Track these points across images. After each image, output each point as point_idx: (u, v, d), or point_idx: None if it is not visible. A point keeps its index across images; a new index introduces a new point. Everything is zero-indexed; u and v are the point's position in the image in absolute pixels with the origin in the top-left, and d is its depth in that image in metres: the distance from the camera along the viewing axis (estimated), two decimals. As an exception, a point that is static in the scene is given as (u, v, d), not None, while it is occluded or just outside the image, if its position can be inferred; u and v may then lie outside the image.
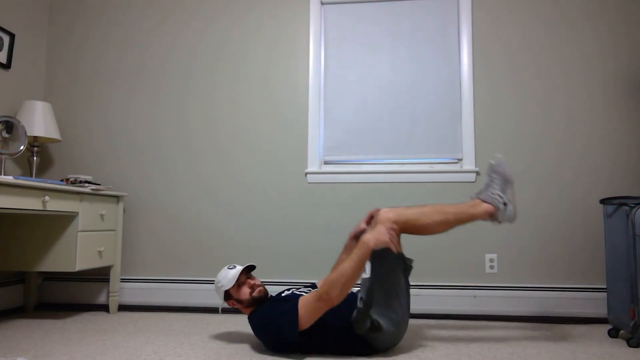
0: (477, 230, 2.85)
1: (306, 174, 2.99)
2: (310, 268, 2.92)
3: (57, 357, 1.93)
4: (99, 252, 2.73)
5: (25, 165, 3.03)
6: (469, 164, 2.89)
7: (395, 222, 1.99)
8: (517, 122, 2.89)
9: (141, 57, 3.20)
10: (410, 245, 2.86)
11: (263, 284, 2.20)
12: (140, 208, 3.10)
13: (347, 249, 2.20)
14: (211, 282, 2.98)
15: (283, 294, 2.18)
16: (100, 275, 3.04)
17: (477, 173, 2.88)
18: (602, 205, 2.54)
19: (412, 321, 2.69)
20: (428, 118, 2.97)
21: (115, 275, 2.88)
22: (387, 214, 2.01)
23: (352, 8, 3.09)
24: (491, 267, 2.82)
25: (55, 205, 2.40)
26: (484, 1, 2.98)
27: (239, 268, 2.14)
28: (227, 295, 2.13)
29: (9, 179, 2.10)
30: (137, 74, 3.20)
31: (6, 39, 2.89)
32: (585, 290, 2.74)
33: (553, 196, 2.83)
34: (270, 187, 3.02)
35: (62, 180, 2.75)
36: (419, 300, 2.83)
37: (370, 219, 2.16)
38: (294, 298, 1.97)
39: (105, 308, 3.01)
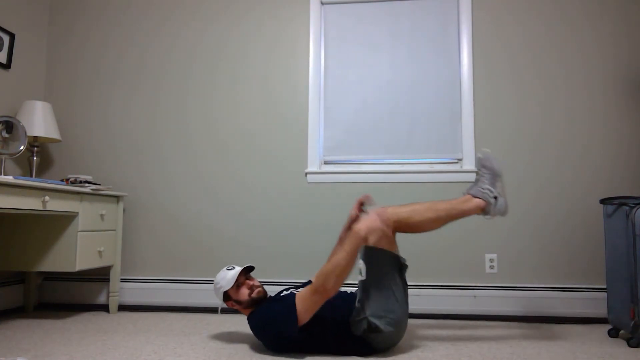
0: (477, 230, 2.85)
1: (306, 174, 2.99)
2: (310, 268, 2.92)
3: (57, 357, 1.93)
4: (99, 252, 2.73)
5: (25, 165, 3.03)
6: (469, 164, 2.89)
7: (387, 220, 2.00)
8: (517, 122, 2.89)
9: (141, 57, 3.21)
10: (410, 245, 2.87)
11: (262, 284, 2.20)
12: (140, 208, 3.10)
13: (341, 241, 2.20)
14: (211, 282, 2.98)
15: (282, 294, 2.19)
16: (100, 275, 3.04)
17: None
18: (602, 205, 2.54)
19: (412, 321, 2.69)
20: (428, 118, 2.98)
21: (115, 275, 2.89)
22: (379, 212, 2.02)
23: (352, 8, 3.09)
24: (491, 267, 2.82)
25: (55, 205, 2.40)
26: (484, 1, 2.98)
27: (238, 269, 2.14)
28: (226, 296, 2.13)
29: (9, 179, 2.10)
30: (137, 74, 3.20)
31: (6, 39, 2.89)
32: (585, 290, 2.74)
33: (553, 196, 2.83)
34: (270, 187, 3.02)
35: (62, 180, 2.75)
36: (419, 300, 2.83)
37: (361, 206, 2.16)
38: (291, 296, 1.98)
39: (105, 308, 3.01)
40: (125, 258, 3.07)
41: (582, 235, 2.79)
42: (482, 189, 2.11)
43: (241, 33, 3.15)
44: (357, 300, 1.97)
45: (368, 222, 1.95)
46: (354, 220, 2.15)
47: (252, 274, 2.92)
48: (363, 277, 1.97)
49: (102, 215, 2.76)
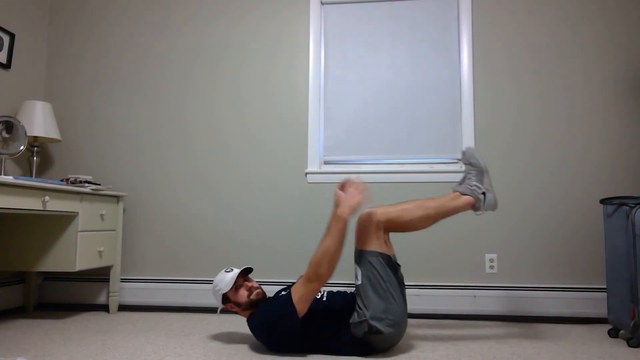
0: (477, 230, 2.85)
1: (306, 174, 2.99)
2: (310, 268, 2.92)
3: (57, 357, 1.93)
4: (99, 252, 2.73)
5: (25, 165, 3.03)
6: (469, 164, 2.89)
7: (378, 221, 2.01)
8: (517, 122, 2.89)
9: (141, 57, 3.21)
10: (410, 245, 2.87)
11: (261, 285, 2.20)
12: (140, 208, 3.10)
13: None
14: (211, 282, 2.98)
15: (281, 294, 2.19)
16: (100, 275, 3.04)
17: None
18: (602, 205, 2.54)
19: (412, 321, 2.69)
20: (428, 118, 2.98)
21: (115, 275, 2.89)
22: (369, 214, 2.03)
23: (352, 8, 3.09)
24: (491, 267, 2.82)
25: (55, 205, 2.40)
26: (484, 1, 2.98)
27: (236, 271, 2.14)
28: (225, 299, 2.13)
29: (9, 179, 2.10)
30: (138, 74, 3.20)
31: (6, 39, 2.89)
32: (585, 290, 2.74)
33: (553, 196, 2.83)
34: (271, 187, 3.02)
35: (62, 180, 2.75)
36: (419, 300, 2.83)
37: (342, 189, 2.13)
38: (287, 293, 1.99)
39: (105, 308, 3.01)
40: (125, 258, 3.07)
41: (582, 235, 2.79)
42: (470, 186, 2.14)
43: (241, 33, 3.15)
44: (356, 303, 1.97)
45: (348, 202, 1.96)
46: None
47: (250, 275, 2.92)
48: (359, 282, 1.97)
49: (102, 215, 2.76)
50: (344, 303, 2.07)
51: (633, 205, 2.16)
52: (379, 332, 1.90)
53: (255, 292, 2.11)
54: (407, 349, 2.09)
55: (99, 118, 3.19)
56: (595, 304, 2.71)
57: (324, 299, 2.14)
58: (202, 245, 3.04)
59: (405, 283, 2.78)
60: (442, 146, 2.95)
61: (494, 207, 2.15)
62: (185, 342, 2.20)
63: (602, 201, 2.39)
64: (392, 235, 2.20)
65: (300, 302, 1.93)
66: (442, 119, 2.97)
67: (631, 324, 2.12)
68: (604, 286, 2.71)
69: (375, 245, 1.98)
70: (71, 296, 3.06)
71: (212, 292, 2.21)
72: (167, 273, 3.04)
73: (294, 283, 2.88)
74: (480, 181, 2.14)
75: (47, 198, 2.31)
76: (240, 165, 3.06)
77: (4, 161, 2.68)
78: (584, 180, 2.81)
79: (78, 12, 3.27)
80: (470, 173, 2.17)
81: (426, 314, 2.81)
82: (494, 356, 1.98)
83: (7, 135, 2.62)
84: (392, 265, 2.01)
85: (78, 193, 2.57)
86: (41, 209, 2.31)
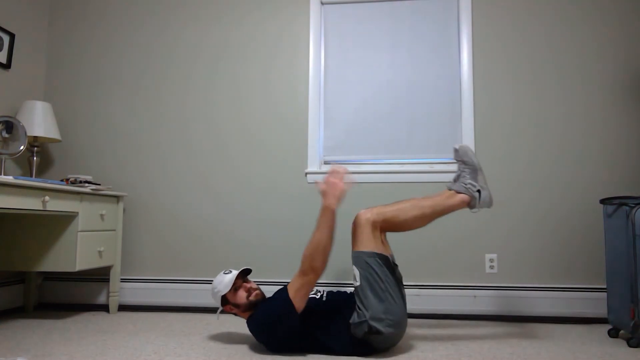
0: (477, 230, 2.85)
1: (306, 173, 2.99)
2: (310, 268, 2.92)
3: (57, 357, 1.93)
4: (99, 252, 2.73)
5: (25, 165, 3.03)
6: (469, 164, 2.88)
7: (374, 221, 2.01)
8: (517, 122, 2.89)
9: (142, 57, 3.21)
10: (410, 245, 2.87)
11: (260, 285, 2.20)
12: (140, 208, 3.10)
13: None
14: (211, 281, 2.98)
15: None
16: (100, 275, 3.04)
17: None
18: (602, 205, 2.54)
19: (412, 321, 2.69)
20: (428, 118, 2.98)
21: (115, 275, 2.89)
22: (365, 214, 2.03)
23: (352, 8, 3.09)
24: (491, 267, 2.82)
25: (55, 205, 2.40)
26: (484, 1, 2.98)
27: (235, 272, 2.14)
28: (224, 301, 2.12)
29: (9, 179, 2.10)
30: (138, 74, 3.20)
31: (6, 39, 2.89)
32: (585, 290, 2.74)
33: (553, 196, 2.83)
34: (271, 187, 3.02)
35: (62, 180, 2.75)
36: (419, 300, 2.83)
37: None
38: (283, 290, 2.00)
39: (105, 308, 3.01)
40: (125, 258, 3.07)
41: (582, 235, 2.79)
42: (465, 184, 2.14)
43: (242, 34, 3.15)
44: (356, 304, 1.97)
45: (332, 193, 1.99)
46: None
47: (251, 275, 2.92)
48: (358, 283, 1.97)
49: (102, 215, 2.76)
50: (343, 303, 2.07)
51: (633, 205, 2.16)
52: (379, 332, 1.90)
53: (254, 293, 2.11)
54: (407, 349, 2.09)
55: (99, 118, 3.19)
56: (595, 304, 2.71)
57: (324, 299, 2.14)
58: (202, 245, 3.04)
59: (405, 283, 2.79)
60: (442, 146, 2.95)
61: (489, 204, 2.16)
62: (185, 342, 2.20)
63: (602, 201, 2.39)
64: (391, 235, 2.20)
65: (297, 296, 1.94)
66: (442, 119, 2.97)
67: (631, 324, 2.12)
68: (604, 286, 2.71)
69: (372, 246, 1.99)
70: (71, 296, 3.06)
71: (210, 294, 2.20)
72: (167, 273, 3.04)
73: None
74: (475, 179, 2.15)
75: (47, 198, 2.31)
76: (240, 165, 3.06)
77: (4, 161, 2.68)
78: (584, 180, 2.81)
79: (78, 12, 3.28)
80: (464, 171, 2.17)
81: (426, 314, 2.81)
82: (494, 356, 1.98)
83: (7, 135, 2.62)
84: (390, 265, 2.01)
85: (78, 193, 2.57)
86: (41, 209, 2.31)
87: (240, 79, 3.12)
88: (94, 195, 2.69)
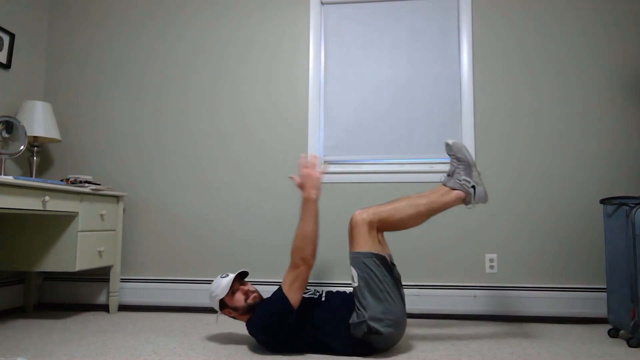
0: (477, 230, 2.85)
1: (306, 174, 2.99)
2: (310, 268, 2.92)
3: (57, 357, 1.93)
4: (99, 252, 2.73)
5: (25, 165, 3.03)
6: (469, 164, 2.88)
7: (370, 222, 2.01)
8: (517, 121, 2.89)
9: (143, 58, 3.21)
10: (410, 245, 2.87)
11: (260, 287, 2.20)
12: (140, 208, 3.10)
13: None
14: (211, 281, 2.97)
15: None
16: (100, 275, 3.04)
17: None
18: (602, 205, 2.54)
19: (412, 321, 2.69)
20: (428, 118, 2.98)
21: (115, 275, 2.89)
22: (361, 214, 2.03)
23: (352, 8, 3.09)
24: (491, 267, 2.82)
25: (55, 205, 2.40)
26: (484, 1, 2.98)
27: (232, 276, 2.13)
28: (223, 304, 2.12)
29: (9, 179, 2.10)
30: (139, 74, 3.20)
31: (6, 39, 2.89)
32: (585, 290, 2.74)
33: (553, 196, 2.83)
34: (271, 187, 3.02)
35: (62, 180, 2.75)
36: (419, 300, 2.83)
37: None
38: (278, 288, 2.01)
39: (105, 308, 3.01)
40: (125, 258, 3.07)
41: (582, 236, 2.79)
42: (460, 180, 2.14)
43: (242, 34, 3.15)
44: (355, 305, 1.97)
45: (309, 184, 2.03)
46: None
47: (251, 275, 2.92)
48: (356, 284, 1.97)
49: (102, 215, 2.76)
50: (343, 303, 2.06)
51: (633, 205, 2.16)
52: (378, 332, 1.90)
53: (252, 296, 2.11)
54: (407, 349, 2.09)
55: (99, 118, 3.19)
56: (595, 304, 2.71)
57: (323, 299, 2.14)
58: (202, 245, 3.04)
59: (405, 283, 2.79)
60: (442, 146, 2.94)
61: (484, 200, 2.16)
62: (185, 342, 2.20)
63: (602, 201, 2.39)
64: (390, 235, 2.20)
65: (292, 290, 1.95)
66: (442, 119, 2.97)
67: (631, 324, 2.12)
68: (604, 286, 2.71)
69: (369, 246, 1.99)
70: (71, 296, 3.06)
71: (208, 298, 2.20)
72: (167, 273, 3.04)
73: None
74: (469, 175, 2.15)
75: (47, 198, 2.31)
76: (240, 165, 3.06)
77: (4, 161, 2.68)
78: (584, 180, 2.81)
79: (78, 11, 3.28)
80: (458, 167, 2.17)
81: (426, 314, 2.81)
82: (494, 356, 1.98)
83: (7, 135, 2.62)
84: (388, 264, 2.01)
85: (78, 193, 2.57)
86: (41, 209, 2.31)
87: (240, 79, 3.12)
88: (94, 195, 2.69)
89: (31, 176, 2.90)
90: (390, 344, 1.99)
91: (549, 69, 2.90)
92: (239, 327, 2.52)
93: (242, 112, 3.10)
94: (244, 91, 3.11)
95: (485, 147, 2.90)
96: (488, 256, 2.83)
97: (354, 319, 1.94)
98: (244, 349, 2.09)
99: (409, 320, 2.69)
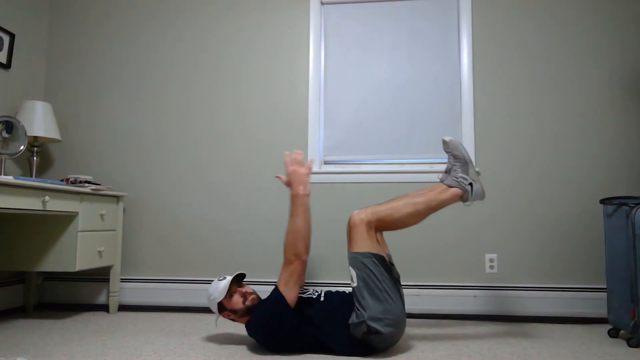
0: (477, 230, 2.85)
1: (306, 174, 2.99)
2: (311, 266, 2.92)
3: (57, 357, 1.93)
4: (99, 252, 2.73)
5: (25, 165, 3.03)
6: (469, 164, 2.88)
7: (369, 221, 2.01)
8: (517, 121, 2.89)
9: (143, 58, 3.21)
10: (410, 245, 2.87)
11: (257, 288, 2.20)
12: (140, 208, 3.10)
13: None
14: (211, 281, 2.97)
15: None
16: (100, 275, 3.04)
17: (478, 173, 2.87)
18: (602, 205, 2.54)
19: (412, 321, 2.69)
20: (428, 118, 2.98)
21: (115, 275, 2.89)
22: (359, 214, 2.03)
23: (352, 8, 3.09)
24: (491, 267, 2.82)
25: (55, 205, 2.40)
26: (484, 1, 2.98)
27: (229, 278, 2.13)
28: (221, 307, 2.12)
29: (9, 179, 2.10)
30: (139, 74, 3.20)
31: (6, 39, 2.89)
32: (585, 290, 2.74)
33: (553, 196, 2.83)
34: (271, 187, 3.02)
35: (62, 180, 2.75)
36: (419, 300, 2.83)
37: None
38: (274, 288, 2.02)
39: (105, 308, 3.01)
40: (125, 258, 3.07)
41: (582, 235, 2.79)
42: (457, 178, 2.14)
43: (242, 34, 3.15)
44: (354, 305, 1.97)
45: (296, 180, 2.05)
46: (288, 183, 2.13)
47: (252, 276, 2.92)
48: (355, 284, 1.97)
49: (102, 215, 2.76)
50: (342, 303, 2.06)
51: (633, 205, 2.16)
52: (378, 332, 1.90)
53: (250, 298, 2.10)
54: (407, 349, 2.09)
55: (99, 118, 3.19)
56: (595, 304, 2.71)
57: (322, 298, 2.14)
58: (202, 245, 3.04)
59: (405, 283, 2.80)
60: (442, 146, 2.93)
61: (482, 196, 2.16)
62: (185, 342, 2.21)
63: (602, 201, 2.39)
64: (390, 235, 2.20)
65: (287, 287, 1.96)
66: (442, 119, 2.97)
67: (631, 324, 2.12)
68: (604, 286, 2.71)
69: (367, 246, 1.99)
70: (71, 296, 3.06)
71: (207, 302, 2.20)
72: (167, 273, 3.04)
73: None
74: (466, 172, 2.15)
75: (47, 198, 2.31)
76: (240, 165, 3.06)
77: (4, 161, 2.68)
78: (584, 180, 2.81)
79: (78, 11, 3.28)
80: (455, 165, 2.18)
81: (426, 314, 2.81)
82: (494, 356, 1.98)
83: (7, 135, 2.62)
84: (386, 264, 2.01)
85: (78, 193, 2.57)
86: (41, 209, 2.31)
87: (240, 79, 3.12)
88: (94, 195, 2.69)
89: (31, 176, 2.90)
90: (389, 343, 1.99)
91: (549, 69, 2.90)
92: (239, 328, 2.52)
93: (242, 112, 3.10)
94: (244, 91, 3.11)
95: (485, 147, 2.90)
96: (488, 256, 2.84)
97: (353, 319, 1.95)
98: (243, 349, 2.09)
99: (409, 320, 2.69)
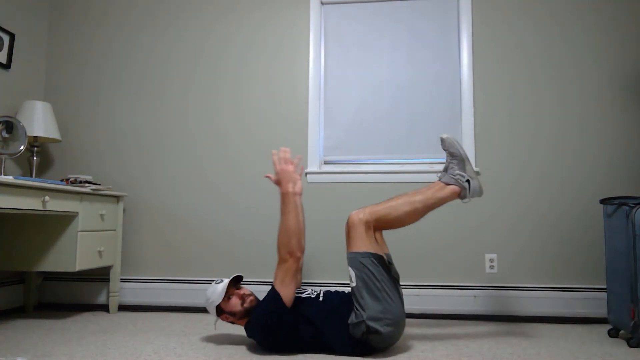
0: (477, 230, 2.85)
1: (306, 174, 2.99)
2: (310, 266, 2.92)
3: (57, 357, 1.93)
4: (99, 252, 2.73)
5: (25, 165, 3.03)
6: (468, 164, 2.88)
7: (367, 221, 2.01)
8: (517, 121, 2.89)
9: (143, 58, 3.21)
10: (410, 245, 2.87)
11: (257, 288, 2.20)
12: (140, 208, 3.10)
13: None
14: (212, 281, 2.98)
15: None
16: (100, 275, 3.04)
17: (477, 173, 2.88)
18: (602, 205, 2.54)
19: (412, 321, 2.69)
20: (428, 118, 2.98)
21: (115, 275, 2.89)
22: (357, 214, 2.03)
23: (352, 8, 3.09)
24: (491, 267, 2.82)
25: (55, 205, 2.40)
26: (484, 2, 2.98)
27: (226, 281, 2.13)
28: (220, 310, 2.12)
29: (9, 179, 2.10)
30: (139, 74, 3.20)
31: (6, 39, 2.89)
32: (585, 290, 2.74)
33: (553, 196, 2.83)
34: (272, 187, 3.01)
35: (62, 180, 2.75)
36: (419, 300, 2.83)
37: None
38: (271, 288, 2.02)
39: (105, 308, 3.01)
40: (125, 258, 3.07)
41: (582, 235, 2.79)
42: (454, 175, 2.15)
43: (242, 35, 3.15)
44: (354, 304, 1.97)
45: (285, 178, 2.06)
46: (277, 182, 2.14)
47: (252, 277, 2.92)
48: (354, 284, 1.97)
49: (102, 215, 2.76)
50: (341, 303, 2.06)
51: (633, 205, 2.16)
52: (377, 332, 1.90)
53: (248, 299, 2.11)
54: (407, 348, 2.09)
55: (99, 118, 3.19)
56: (595, 304, 2.71)
57: (320, 298, 2.14)
58: (203, 245, 3.04)
59: (405, 283, 2.80)
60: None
61: (479, 193, 2.16)
62: (185, 342, 2.21)
63: (602, 201, 2.39)
64: (390, 235, 2.20)
65: (284, 285, 1.97)
66: (442, 119, 2.97)
67: (631, 324, 2.12)
68: (604, 286, 2.71)
69: (366, 246, 1.99)
70: (71, 296, 3.06)
71: (205, 306, 2.20)
72: (167, 273, 3.04)
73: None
74: (463, 169, 2.15)
75: (47, 198, 2.31)
76: (240, 165, 3.06)
77: (4, 161, 2.68)
78: (583, 180, 2.81)
79: (78, 11, 3.28)
80: (452, 162, 2.18)
81: (426, 314, 2.81)
82: (494, 356, 1.98)
83: (7, 135, 2.62)
84: (385, 264, 2.01)
85: (78, 193, 2.57)
86: (41, 209, 2.31)
87: (240, 79, 3.12)
88: (94, 195, 2.69)
89: (31, 176, 2.90)
90: (389, 343, 1.99)
91: (549, 69, 2.90)
92: (238, 328, 2.52)
93: (242, 112, 3.10)
94: (244, 91, 3.11)
95: (485, 147, 2.90)
96: (488, 256, 2.84)
97: (352, 319, 1.95)
98: (243, 349, 2.09)
99: (408, 320, 2.69)
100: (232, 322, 2.14)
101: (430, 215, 2.77)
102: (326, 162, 3.04)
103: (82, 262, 2.59)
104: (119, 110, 3.19)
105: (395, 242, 2.78)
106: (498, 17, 2.96)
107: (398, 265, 2.15)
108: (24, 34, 3.06)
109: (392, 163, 2.99)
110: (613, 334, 2.33)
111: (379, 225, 2.06)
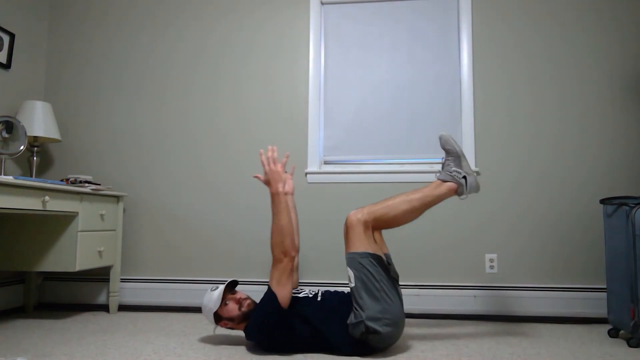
0: (477, 230, 2.85)
1: (306, 174, 2.99)
2: (310, 267, 2.92)
3: (57, 357, 1.93)
4: (99, 252, 2.73)
5: (25, 165, 3.03)
6: (469, 164, 2.88)
7: (365, 221, 2.01)
8: (517, 121, 2.89)
9: (143, 58, 3.21)
10: (410, 245, 2.87)
11: (249, 295, 2.20)
12: (140, 208, 3.10)
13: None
14: (211, 281, 2.98)
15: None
16: (100, 275, 3.04)
17: (477, 173, 2.88)
18: (602, 205, 2.54)
19: (412, 321, 2.69)
20: (428, 118, 2.98)
21: (115, 275, 2.89)
22: (356, 215, 2.03)
23: (352, 8, 3.09)
24: (491, 267, 2.82)
25: (55, 205, 2.40)
26: (484, 2, 2.98)
27: (222, 287, 2.13)
28: (217, 317, 2.12)
29: (9, 179, 2.10)
30: (139, 74, 3.20)
31: (6, 39, 2.89)
32: (585, 290, 2.74)
33: (553, 196, 2.83)
34: (270, 187, 3.01)
35: (62, 180, 2.75)
36: (419, 300, 2.83)
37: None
38: (267, 289, 2.02)
39: (105, 308, 3.01)
40: (125, 258, 3.07)
41: (582, 235, 2.79)
42: (450, 172, 2.16)
43: (242, 35, 3.15)
44: (353, 305, 1.97)
45: (274, 179, 2.05)
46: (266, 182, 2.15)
47: (252, 277, 2.92)
48: (353, 284, 1.97)
49: (102, 215, 2.76)
50: (341, 303, 2.06)
51: (633, 205, 2.16)
52: (376, 332, 1.90)
53: (245, 304, 2.10)
54: (407, 348, 2.09)
55: (99, 118, 3.19)
56: (595, 304, 2.71)
57: (319, 298, 2.14)
58: (203, 245, 3.04)
59: (405, 283, 2.80)
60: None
61: (476, 189, 2.16)
62: (185, 342, 2.21)
63: (602, 201, 2.39)
64: (390, 235, 2.20)
65: (279, 285, 1.96)
66: (442, 119, 2.97)
67: (631, 324, 2.12)
68: (604, 286, 2.71)
69: (364, 246, 1.99)
70: (71, 296, 3.06)
71: (203, 313, 2.20)
72: (167, 273, 3.04)
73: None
74: (459, 166, 2.16)
75: (47, 198, 2.31)
76: (240, 165, 3.06)
77: (4, 161, 2.68)
78: (583, 180, 2.81)
79: (78, 11, 3.28)
80: (448, 159, 2.19)
81: (426, 314, 2.81)
82: (494, 356, 1.98)
83: (7, 135, 2.62)
84: (384, 264, 2.01)
85: (78, 193, 2.57)
86: (41, 209, 2.31)
87: (240, 79, 3.12)
88: (94, 195, 2.69)
89: (31, 176, 2.90)
90: (388, 343, 1.99)
91: (549, 69, 2.90)
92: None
93: (242, 112, 3.10)
94: (244, 91, 3.11)
95: (485, 147, 2.90)
96: (488, 256, 2.84)
97: (351, 319, 1.95)
98: (243, 349, 2.09)
99: (408, 320, 2.69)
100: (232, 328, 2.13)
101: (430, 215, 2.78)
102: (326, 162, 3.04)
103: (82, 262, 2.59)
104: (119, 110, 3.19)
105: (395, 242, 2.78)
106: (498, 17, 2.96)
107: (398, 265, 2.15)
108: (24, 34, 3.06)
109: (392, 163, 2.99)
110: (613, 334, 2.33)
111: (377, 224, 2.06)
